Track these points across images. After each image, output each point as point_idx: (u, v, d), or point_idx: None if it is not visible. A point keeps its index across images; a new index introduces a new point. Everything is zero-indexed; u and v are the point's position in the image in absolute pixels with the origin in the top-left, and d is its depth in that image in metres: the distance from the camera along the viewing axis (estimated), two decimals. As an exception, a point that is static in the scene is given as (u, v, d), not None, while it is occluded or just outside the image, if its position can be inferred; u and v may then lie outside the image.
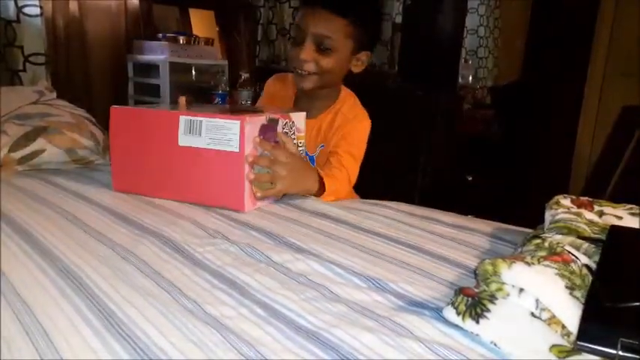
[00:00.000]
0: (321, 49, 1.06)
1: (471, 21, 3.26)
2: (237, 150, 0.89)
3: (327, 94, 1.17)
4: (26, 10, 1.91)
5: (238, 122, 0.88)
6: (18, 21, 1.90)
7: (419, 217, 0.94)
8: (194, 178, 0.93)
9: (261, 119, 0.93)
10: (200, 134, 0.91)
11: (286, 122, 1.00)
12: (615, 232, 0.68)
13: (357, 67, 1.15)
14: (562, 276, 0.54)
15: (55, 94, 1.47)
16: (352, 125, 1.15)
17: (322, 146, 1.17)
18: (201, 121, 0.91)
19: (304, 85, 1.11)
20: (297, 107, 1.20)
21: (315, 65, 1.07)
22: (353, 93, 1.22)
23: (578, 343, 0.46)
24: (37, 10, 1.93)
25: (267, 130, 0.94)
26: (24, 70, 1.94)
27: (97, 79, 2.24)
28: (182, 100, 1.04)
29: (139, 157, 0.98)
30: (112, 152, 1.01)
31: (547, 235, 0.68)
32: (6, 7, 1.88)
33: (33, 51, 1.95)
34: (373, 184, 1.23)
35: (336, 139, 1.14)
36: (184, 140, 0.92)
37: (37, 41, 1.95)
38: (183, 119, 0.92)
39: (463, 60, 3.08)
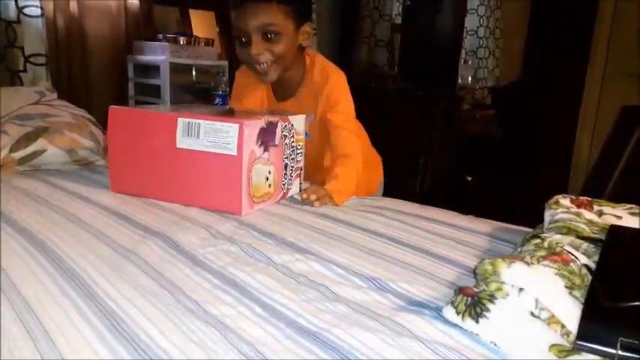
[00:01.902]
0: (269, 37, 1.08)
1: (470, 22, 3.26)
2: (235, 153, 0.88)
3: (295, 73, 1.18)
4: (27, 10, 1.91)
5: (237, 125, 0.88)
6: (18, 21, 1.90)
7: (419, 217, 0.95)
8: (192, 181, 0.93)
9: (259, 122, 0.93)
10: (198, 137, 0.91)
11: (285, 125, 1.00)
12: (615, 231, 0.68)
13: (305, 40, 1.16)
14: (561, 276, 0.54)
15: (55, 95, 1.47)
16: (329, 87, 1.17)
17: (311, 117, 1.18)
18: (199, 124, 0.91)
19: (268, 78, 1.13)
20: (276, 94, 1.23)
21: (269, 54, 1.09)
22: (315, 52, 1.24)
23: (578, 342, 0.46)
24: (38, 11, 1.93)
25: (267, 134, 0.94)
26: (24, 71, 1.94)
27: (97, 79, 2.24)
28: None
29: (137, 158, 0.98)
30: (109, 153, 1.01)
31: (546, 234, 0.68)
32: (6, 8, 1.88)
33: (33, 52, 1.95)
34: (373, 184, 1.23)
35: (322, 106, 1.17)
36: (182, 142, 0.92)
37: (38, 42, 1.95)
38: (181, 121, 0.92)
39: (463, 61, 3.08)
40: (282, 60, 1.11)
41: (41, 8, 1.93)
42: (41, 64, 1.97)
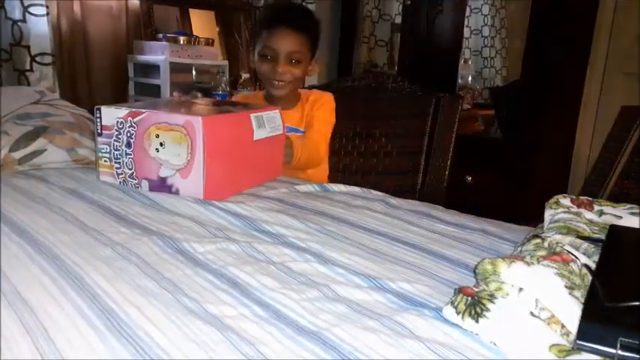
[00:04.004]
0: (292, 61, 1.31)
1: (474, 21, 3.26)
2: (282, 132, 1.16)
3: (291, 97, 1.41)
4: (32, 9, 1.91)
5: (278, 110, 1.16)
6: (24, 20, 1.90)
7: (420, 215, 0.95)
8: (262, 164, 1.13)
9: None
10: (265, 126, 1.09)
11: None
12: (615, 231, 0.68)
13: (313, 72, 1.42)
14: (561, 275, 0.54)
15: (56, 95, 1.47)
16: (314, 109, 1.42)
17: (302, 131, 1.40)
18: (262, 115, 1.09)
19: (279, 92, 1.35)
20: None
21: (290, 75, 1.32)
22: (306, 90, 1.52)
23: (578, 342, 0.46)
24: (43, 10, 1.92)
25: None
26: (31, 70, 1.93)
27: (98, 79, 2.24)
28: (176, 95, 1.12)
29: (227, 161, 1.01)
30: (207, 165, 0.95)
31: (547, 234, 0.68)
32: (12, 7, 1.88)
33: (39, 51, 1.94)
34: (373, 184, 1.23)
35: (305, 122, 1.42)
36: (258, 134, 1.07)
37: (44, 41, 1.95)
38: (253, 116, 1.06)
39: (463, 61, 3.08)
40: (296, 81, 1.35)
41: (46, 7, 1.93)
42: (47, 64, 1.96)
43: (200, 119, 0.93)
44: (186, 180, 0.96)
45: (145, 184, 1.00)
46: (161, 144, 0.96)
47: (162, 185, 0.98)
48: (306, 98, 1.43)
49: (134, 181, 1.01)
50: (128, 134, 0.98)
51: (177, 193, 0.97)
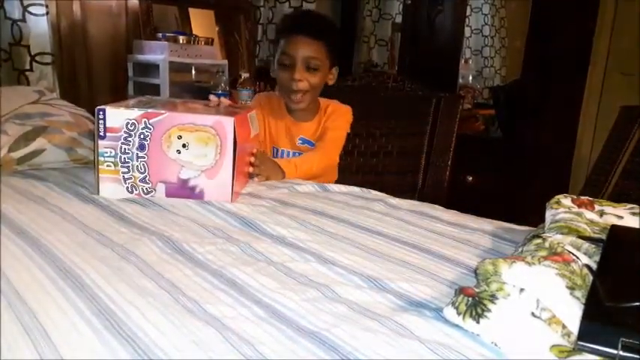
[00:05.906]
0: (310, 69, 1.29)
1: (475, 20, 3.25)
2: (258, 131, 1.20)
3: (311, 108, 1.39)
4: (32, 9, 1.91)
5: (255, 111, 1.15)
6: (24, 20, 1.90)
7: (420, 215, 0.94)
8: (247, 164, 1.11)
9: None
10: (253, 125, 1.12)
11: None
12: (616, 231, 0.68)
13: (331, 80, 1.39)
14: (563, 276, 0.54)
15: (54, 94, 1.47)
16: (330, 120, 1.40)
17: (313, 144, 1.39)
18: (253, 115, 1.12)
19: (297, 106, 1.33)
20: (293, 116, 1.41)
21: (307, 83, 1.29)
22: (327, 99, 1.48)
23: (579, 343, 0.46)
24: (43, 10, 1.92)
25: None
26: (31, 70, 1.93)
27: (98, 78, 2.24)
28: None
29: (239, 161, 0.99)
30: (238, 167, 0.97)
31: (548, 234, 0.68)
32: (12, 7, 1.87)
33: (39, 50, 1.94)
34: (373, 184, 1.23)
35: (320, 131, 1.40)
36: (252, 133, 1.11)
37: (43, 40, 1.94)
38: (249, 116, 1.10)
39: (463, 60, 3.08)
40: (314, 91, 1.32)
41: (46, 7, 1.92)
42: (47, 64, 1.96)
43: (232, 120, 0.92)
44: (213, 180, 0.94)
45: (160, 187, 0.94)
46: (184, 145, 0.92)
47: (182, 187, 0.94)
48: (325, 109, 1.41)
49: (146, 186, 0.94)
50: (141, 136, 0.92)
51: (200, 194, 0.95)
